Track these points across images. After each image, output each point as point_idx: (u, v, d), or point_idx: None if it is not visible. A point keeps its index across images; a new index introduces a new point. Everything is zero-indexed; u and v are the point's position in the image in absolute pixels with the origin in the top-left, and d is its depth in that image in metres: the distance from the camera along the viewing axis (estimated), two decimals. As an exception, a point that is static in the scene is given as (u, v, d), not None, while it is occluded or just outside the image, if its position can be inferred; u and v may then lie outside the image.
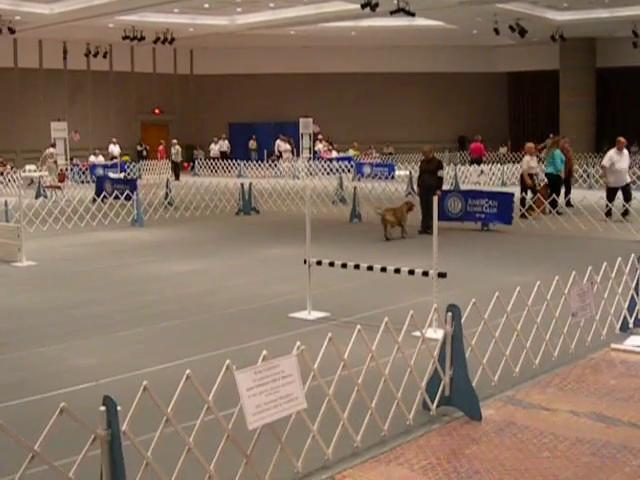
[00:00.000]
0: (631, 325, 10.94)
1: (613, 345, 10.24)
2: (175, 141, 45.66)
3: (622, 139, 23.50)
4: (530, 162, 25.19)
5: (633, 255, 11.08)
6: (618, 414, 7.85)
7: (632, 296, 10.92)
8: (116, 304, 13.29)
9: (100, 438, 5.15)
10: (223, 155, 49.40)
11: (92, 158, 45.07)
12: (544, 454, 6.93)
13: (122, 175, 40.11)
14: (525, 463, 6.73)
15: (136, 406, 5.51)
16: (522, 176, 25.29)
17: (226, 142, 51.08)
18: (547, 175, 25.42)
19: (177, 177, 42.77)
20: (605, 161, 23.45)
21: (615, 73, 51.35)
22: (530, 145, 25.79)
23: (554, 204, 23.34)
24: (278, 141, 50.00)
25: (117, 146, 47.07)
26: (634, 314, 10.96)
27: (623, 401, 8.26)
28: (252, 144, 52.76)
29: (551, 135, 39.90)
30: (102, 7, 37.73)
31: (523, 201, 23.85)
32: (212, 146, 50.49)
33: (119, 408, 5.19)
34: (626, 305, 10.93)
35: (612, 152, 23.35)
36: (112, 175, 36.94)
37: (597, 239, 19.89)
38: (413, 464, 6.74)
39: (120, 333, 11.37)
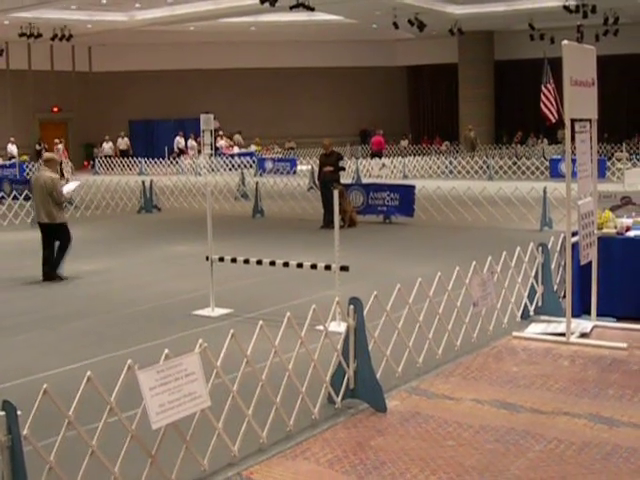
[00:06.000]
0: (532, 313, 11.14)
1: (515, 333, 10.41)
2: (57, 140, 44.72)
3: None
4: None
5: (532, 244, 11.26)
6: (520, 401, 7.98)
7: (532, 284, 11.12)
8: (16, 306, 13.06)
9: (0, 444, 5.05)
10: (123, 153, 48.78)
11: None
12: (449, 442, 7.01)
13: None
14: (430, 452, 6.80)
15: (37, 410, 5.43)
16: None
17: (125, 140, 50.40)
18: None
19: (62, 176, 41.70)
20: None
21: (513, 65, 52.13)
22: None
23: None
24: (178, 138, 49.56)
25: (15, 146, 46.05)
26: (534, 302, 11.16)
27: (525, 388, 8.39)
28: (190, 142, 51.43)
29: None
30: (-3, 4, 37.09)
31: None
32: (104, 145, 49.57)
33: (19, 413, 5.10)
34: (526, 293, 11.12)
35: None
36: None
37: (497, 229, 20.17)
38: (319, 458, 6.76)
39: (20, 336, 11.17)
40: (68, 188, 15.87)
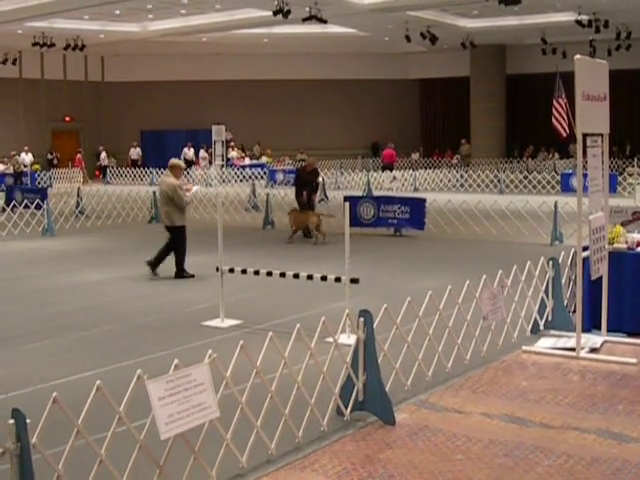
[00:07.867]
0: (542, 327, 11.11)
1: (524, 347, 10.38)
2: (15, 152, 44.60)
3: None
4: None
5: (542, 258, 11.25)
6: (530, 415, 7.96)
7: (542, 298, 11.09)
8: (26, 315, 13.06)
9: (9, 452, 5.05)
10: (134, 163, 48.90)
11: (1, 167, 44.03)
12: (458, 456, 6.99)
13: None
14: (439, 466, 6.78)
15: (46, 418, 5.43)
16: None
17: (137, 150, 50.50)
18: None
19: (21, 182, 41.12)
20: None
21: (525, 79, 52.07)
22: None
23: None
24: (185, 149, 49.53)
25: (29, 155, 46.07)
26: (544, 316, 11.13)
27: (535, 402, 8.37)
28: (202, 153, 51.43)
29: None
30: (11, 13, 37.10)
31: None
32: (101, 156, 49.53)
33: (28, 421, 5.10)
34: (536, 307, 11.10)
35: None
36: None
37: (508, 243, 20.15)
38: (328, 470, 6.74)
39: (30, 345, 11.18)
40: (190, 193, 16.48)
